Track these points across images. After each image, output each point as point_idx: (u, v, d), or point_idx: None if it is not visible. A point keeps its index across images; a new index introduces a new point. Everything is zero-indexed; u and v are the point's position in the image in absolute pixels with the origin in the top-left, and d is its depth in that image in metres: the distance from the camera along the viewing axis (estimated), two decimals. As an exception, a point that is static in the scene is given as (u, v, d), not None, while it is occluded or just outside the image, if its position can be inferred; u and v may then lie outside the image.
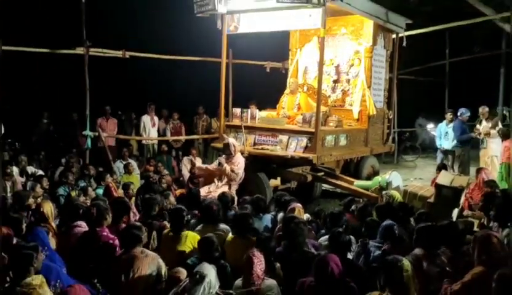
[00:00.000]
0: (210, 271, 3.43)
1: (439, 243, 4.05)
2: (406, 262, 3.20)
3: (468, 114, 9.38)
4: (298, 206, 5.43)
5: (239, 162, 7.16)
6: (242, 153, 7.41)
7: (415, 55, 13.10)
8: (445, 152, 9.71)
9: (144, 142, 10.88)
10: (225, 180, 7.07)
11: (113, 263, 4.05)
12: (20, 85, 12.39)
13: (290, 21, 7.54)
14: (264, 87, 11.24)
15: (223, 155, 7.35)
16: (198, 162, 7.54)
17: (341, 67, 8.94)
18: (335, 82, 9.00)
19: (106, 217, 4.58)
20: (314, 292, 3.44)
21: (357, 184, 7.76)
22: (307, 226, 4.88)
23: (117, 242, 4.35)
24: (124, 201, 5.48)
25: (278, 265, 4.06)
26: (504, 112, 12.92)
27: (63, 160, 8.55)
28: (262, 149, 7.63)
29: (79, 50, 8.65)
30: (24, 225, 4.46)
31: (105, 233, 4.43)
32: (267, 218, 5.65)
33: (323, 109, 7.85)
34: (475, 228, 5.30)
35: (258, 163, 7.61)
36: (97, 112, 10.04)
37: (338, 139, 7.79)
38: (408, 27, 9.46)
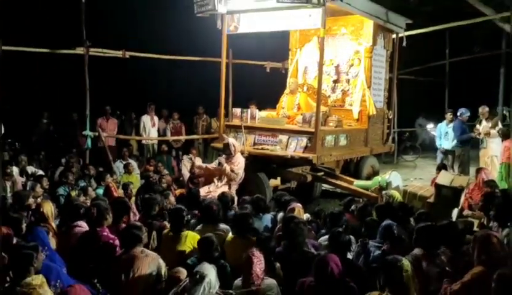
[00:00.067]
0: (210, 271, 3.43)
1: (439, 243, 4.05)
2: (406, 262, 3.20)
3: (468, 113, 9.38)
4: (298, 206, 5.43)
5: (239, 162, 7.16)
6: (242, 153, 7.41)
7: (415, 55, 13.09)
8: (445, 152, 9.71)
9: (144, 142, 10.88)
10: (225, 180, 7.07)
11: (113, 263, 4.05)
12: (19, 85, 12.39)
13: (290, 21, 7.55)
14: (264, 87, 11.23)
15: (223, 155, 7.35)
16: (198, 162, 7.53)
17: (341, 67, 8.94)
18: (335, 82, 9.00)
19: (107, 217, 4.59)
20: (314, 292, 3.44)
21: (357, 184, 7.76)
22: (307, 226, 4.88)
23: (117, 242, 4.35)
24: (124, 201, 5.48)
25: (278, 265, 4.06)
26: (504, 112, 12.91)
27: (63, 160, 8.55)
28: (262, 149, 7.64)
29: (79, 50, 8.65)
30: (24, 225, 4.46)
31: (105, 233, 4.43)
32: (267, 218, 5.65)
33: (323, 109, 7.86)
34: (475, 228, 5.30)
35: (258, 163, 7.61)
36: (97, 112, 10.04)
37: (338, 139, 7.79)
38: (408, 27, 9.46)
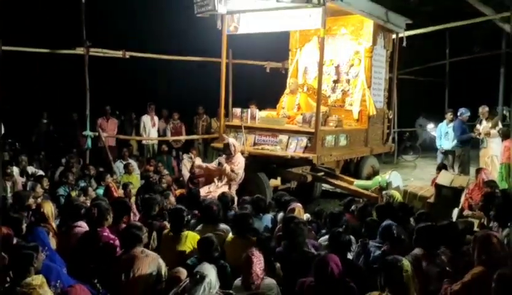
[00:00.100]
0: (210, 271, 3.43)
1: (439, 243, 4.05)
2: (406, 262, 3.20)
3: (468, 113, 9.38)
4: (298, 206, 5.44)
5: (239, 162, 7.16)
6: (242, 154, 7.41)
7: (415, 55, 13.09)
8: (445, 152, 9.71)
9: (144, 142, 10.88)
10: (225, 180, 7.07)
11: (113, 263, 4.05)
12: (19, 85, 12.39)
13: (290, 21, 7.54)
14: (264, 87, 11.24)
15: (223, 155, 7.35)
16: (198, 161, 7.53)
17: (341, 67, 8.94)
18: (335, 82, 9.00)
19: (107, 217, 4.59)
20: (314, 292, 3.44)
21: (357, 184, 7.76)
22: (307, 226, 4.88)
23: (117, 242, 4.35)
24: (124, 201, 5.49)
25: (278, 265, 4.06)
26: (504, 111, 12.92)
27: (63, 160, 8.56)
28: (262, 149, 7.64)
29: (79, 50, 8.65)
30: (24, 225, 4.46)
31: (106, 234, 4.43)
32: (267, 218, 5.65)
33: (323, 109, 7.86)
34: (475, 229, 5.30)
35: (258, 163, 7.61)
36: (97, 112, 10.04)
37: (338, 139, 7.79)
38: (408, 27, 9.46)
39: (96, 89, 8.98)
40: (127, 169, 8.49)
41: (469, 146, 9.36)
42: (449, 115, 9.84)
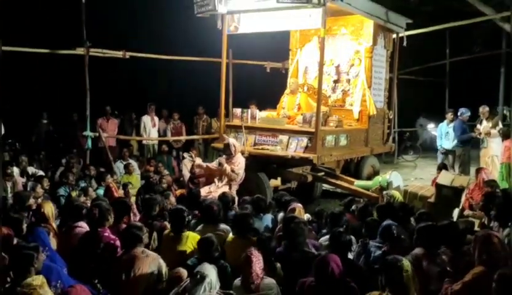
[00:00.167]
0: (210, 271, 3.44)
1: (440, 243, 4.05)
2: (406, 262, 3.20)
3: (468, 113, 9.38)
4: (298, 206, 5.44)
5: (239, 162, 7.15)
6: (243, 154, 7.41)
7: (415, 55, 13.09)
8: (446, 152, 9.71)
9: (144, 142, 10.88)
10: (225, 180, 7.06)
11: (114, 264, 4.05)
12: (19, 85, 12.39)
13: (290, 21, 7.55)
14: (265, 87, 11.24)
15: (224, 156, 7.35)
16: (198, 161, 7.52)
17: (341, 67, 8.94)
18: (335, 82, 9.00)
19: (108, 217, 4.58)
20: (315, 292, 3.44)
21: (358, 184, 7.77)
22: (307, 226, 4.88)
23: (118, 243, 4.34)
24: (124, 201, 5.48)
25: (279, 265, 4.06)
26: (505, 111, 12.93)
27: (64, 161, 8.56)
28: (262, 149, 7.63)
29: (79, 51, 8.65)
30: (24, 226, 4.46)
31: (106, 234, 4.43)
32: (267, 218, 5.65)
33: (323, 109, 7.85)
34: (476, 228, 5.30)
35: (258, 163, 7.61)
36: (97, 112, 10.04)
37: (339, 139, 7.79)
38: (409, 27, 9.46)
39: (96, 89, 8.98)
40: (127, 170, 8.48)
41: (469, 146, 9.36)
42: (449, 115, 9.84)
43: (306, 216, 5.77)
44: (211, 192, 6.88)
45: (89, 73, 8.69)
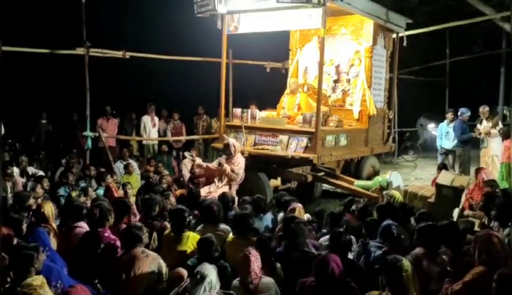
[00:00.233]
0: (210, 271, 3.44)
1: (440, 243, 4.05)
2: (406, 262, 3.20)
3: (468, 113, 9.38)
4: (298, 206, 5.44)
5: (239, 162, 7.15)
6: (243, 154, 7.41)
7: (415, 54, 13.09)
8: (446, 152, 9.71)
9: (144, 142, 10.88)
10: (225, 180, 7.06)
11: (114, 264, 4.05)
12: (19, 85, 12.39)
13: (290, 21, 7.54)
14: (264, 87, 11.23)
15: (223, 156, 7.35)
16: (198, 161, 7.52)
17: (341, 67, 8.94)
18: (335, 82, 9.00)
19: (109, 217, 4.59)
20: (315, 292, 3.44)
21: (358, 184, 7.76)
22: (307, 226, 4.88)
23: (118, 243, 4.34)
24: (124, 201, 5.48)
25: (278, 265, 4.06)
26: (505, 111, 12.93)
27: (64, 161, 8.55)
28: (262, 149, 7.63)
29: (79, 51, 8.65)
30: (24, 226, 4.46)
31: (107, 234, 4.43)
32: (267, 218, 5.65)
33: (323, 109, 7.85)
34: (476, 228, 5.30)
35: (258, 163, 7.61)
36: (97, 112, 10.04)
37: (339, 139, 7.78)
38: (409, 27, 9.46)
39: (96, 89, 8.98)
40: (127, 170, 8.48)
41: (469, 146, 9.35)
42: (450, 115, 9.83)
43: (306, 216, 5.77)
44: (211, 192, 6.88)
45: (89, 73, 8.69)
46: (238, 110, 8.24)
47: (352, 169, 8.90)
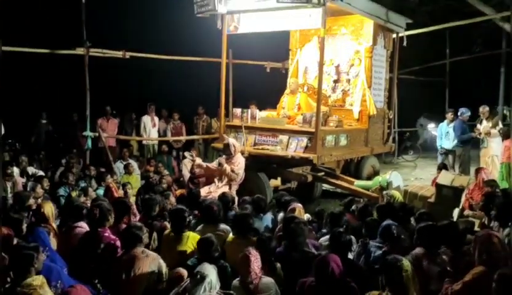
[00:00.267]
0: (210, 271, 3.44)
1: (440, 243, 4.05)
2: (406, 262, 3.20)
3: (468, 113, 9.38)
4: (298, 206, 5.43)
5: (239, 162, 7.15)
6: (243, 154, 7.41)
7: (415, 55, 13.10)
8: (446, 152, 9.71)
9: (144, 142, 10.88)
10: (225, 180, 7.06)
11: (114, 264, 4.05)
12: (19, 85, 12.39)
13: (290, 21, 7.54)
14: (264, 87, 11.23)
15: (223, 156, 7.35)
16: (198, 161, 7.52)
17: (341, 67, 8.94)
18: (335, 82, 9.00)
19: (109, 218, 4.59)
20: (315, 292, 3.44)
21: (358, 184, 7.76)
22: (307, 226, 4.88)
23: (118, 243, 4.35)
24: (124, 201, 5.48)
25: (279, 265, 4.06)
26: (505, 111, 12.93)
27: (64, 161, 8.55)
28: (262, 149, 7.63)
29: (79, 51, 8.65)
30: (24, 226, 4.46)
31: (107, 234, 4.43)
32: (267, 218, 5.65)
33: (323, 109, 7.85)
34: (476, 228, 5.30)
35: (258, 163, 7.61)
36: (97, 112, 10.04)
37: (339, 139, 7.79)
38: (409, 26, 9.46)
39: (96, 89, 8.98)
40: (127, 170, 8.48)
41: (469, 146, 9.35)
42: (450, 115, 9.83)
43: (306, 216, 5.77)
44: (211, 192, 6.88)
45: (89, 73, 8.69)
46: (238, 110, 8.24)
47: (352, 169, 8.90)
